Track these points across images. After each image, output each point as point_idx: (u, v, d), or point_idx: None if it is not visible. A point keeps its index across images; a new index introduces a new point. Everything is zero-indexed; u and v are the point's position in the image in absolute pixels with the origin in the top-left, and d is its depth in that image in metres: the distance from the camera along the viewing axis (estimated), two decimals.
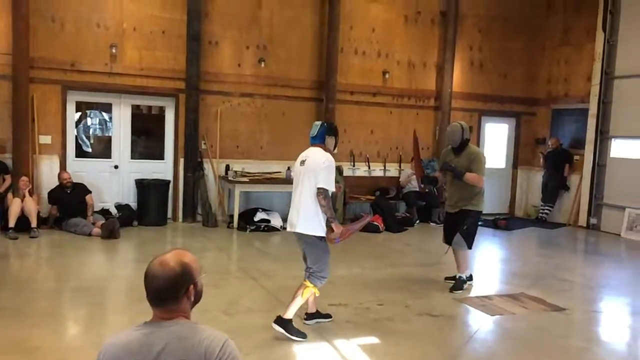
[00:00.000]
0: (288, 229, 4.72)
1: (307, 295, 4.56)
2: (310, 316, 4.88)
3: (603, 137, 10.77)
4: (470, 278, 6.36)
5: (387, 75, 10.90)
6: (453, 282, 6.20)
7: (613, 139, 10.72)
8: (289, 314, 4.48)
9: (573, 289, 6.68)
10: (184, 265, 1.99)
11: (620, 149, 10.65)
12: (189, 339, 1.91)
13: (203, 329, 1.95)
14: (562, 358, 4.47)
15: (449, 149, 6.45)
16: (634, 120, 10.20)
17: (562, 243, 9.78)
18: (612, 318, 5.71)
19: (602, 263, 8.33)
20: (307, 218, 4.47)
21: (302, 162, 4.60)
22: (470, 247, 6.20)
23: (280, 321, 4.47)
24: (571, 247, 9.75)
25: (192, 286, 2.00)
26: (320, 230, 4.53)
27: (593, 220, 10.84)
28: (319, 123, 4.82)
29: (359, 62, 10.71)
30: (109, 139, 9.77)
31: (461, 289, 6.12)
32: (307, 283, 4.55)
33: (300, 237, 4.60)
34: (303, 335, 4.49)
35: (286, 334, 4.43)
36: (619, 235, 10.17)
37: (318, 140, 4.69)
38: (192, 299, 2.02)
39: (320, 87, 10.36)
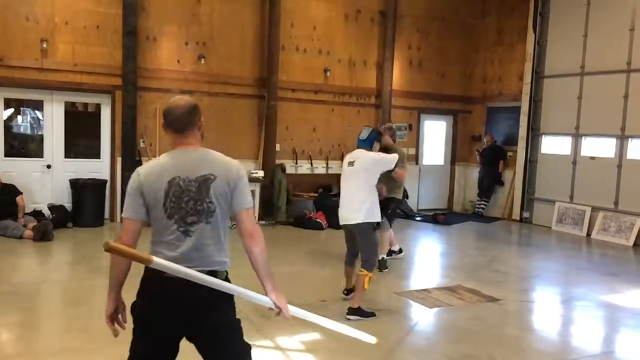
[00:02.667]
0: (342, 223, 5.31)
1: (368, 282, 5.03)
2: (349, 291, 5.59)
3: (534, 134, 11.26)
4: (400, 251, 7.40)
5: (328, 73, 10.97)
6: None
7: (543, 136, 11.23)
8: (356, 303, 5.05)
9: (507, 280, 6.95)
10: (194, 102, 2.63)
11: (549, 145, 11.17)
12: (214, 158, 2.53)
13: (220, 154, 2.59)
14: (497, 346, 4.65)
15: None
16: (562, 118, 10.73)
17: (497, 236, 10.16)
18: (543, 307, 5.99)
19: (534, 255, 8.71)
20: (366, 209, 5.05)
21: (351, 163, 5.18)
22: (390, 228, 7.05)
23: (353, 311, 5.03)
24: (505, 240, 10.14)
25: (202, 118, 2.61)
26: (377, 217, 5.17)
27: (526, 214, 11.32)
28: (370, 128, 5.47)
29: (301, 59, 10.73)
30: (42, 137, 9.37)
31: (386, 267, 6.82)
32: (365, 272, 5.04)
33: (357, 228, 5.13)
34: (373, 314, 5.14)
35: (362, 318, 4.99)
36: (550, 227, 10.67)
37: (367, 144, 5.28)
38: (201, 130, 2.60)
39: (262, 84, 10.31)
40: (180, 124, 2.54)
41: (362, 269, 5.09)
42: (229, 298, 2.51)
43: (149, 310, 2.47)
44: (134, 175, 2.52)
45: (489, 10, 12.27)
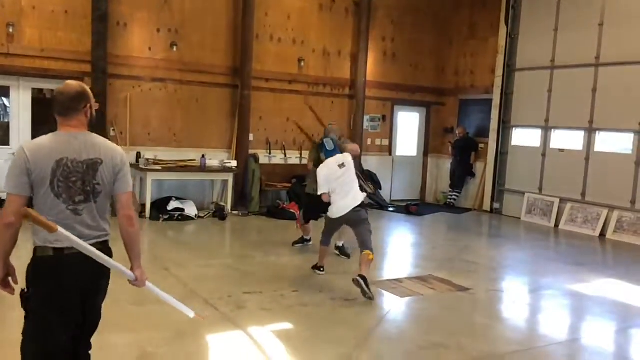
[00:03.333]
0: (344, 212, 5.84)
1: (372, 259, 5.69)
2: (320, 268, 6.32)
3: (505, 127, 11.41)
4: (308, 240, 7.68)
5: (302, 63, 10.92)
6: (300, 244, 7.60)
7: (514, 128, 11.39)
8: (365, 273, 5.50)
9: (477, 270, 7.05)
10: (83, 87, 2.77)
11: (520, 137, 11.34)
12: (101, 144, 2.73)
13: (105, 139, 2.80)
14: (467, 335, 4.72)
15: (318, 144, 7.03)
16: (532, 111, 10.89)
17: (468, 227, 10.29)
18: (512, 296, 6.10)
19: (503, 245, 8.85)
20: (362, 197, 6.04)
21: (342, 165, 5.98)
22: (306, 221, 7.43)
23: (364, 278, 5.40)
24: (476, 231, 10.28)
25: (89, 105, 2.75)
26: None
27: (496, 205, 11.50)
28: (329, 138, 6.36)
29: (275, 49, 10.65)
30: (8, 125, 9.11)
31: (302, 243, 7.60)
32: (368, 252, 5.63)
33: (358, 213, 5.86)
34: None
35: (365, 287, 5.36)
36: (519, 218, 10.85)
37: (337, 151, 6.20)
38: (89, 116, 2.77)
39: (235, 73, 10.20)
40: (65, 109, 2.69)
41: (366, 250, 5.68)
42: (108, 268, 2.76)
43: (55, 289, 2.62)
44: (19, 152, 2.61)
45: (462, 3, 12.35)
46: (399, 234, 9.67)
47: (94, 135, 2.78)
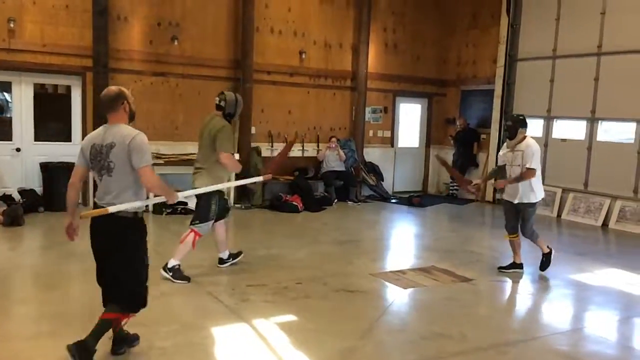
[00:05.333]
0: None
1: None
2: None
3: (507, 117, 11.37)
4: (226, 260, 6.09)
5: (303, 55, 10.90)
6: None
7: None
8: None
9: (480, 260, 7.07)
10: (120, 89, 3.70)
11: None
12: (120, 131, 3.58)
13: (128, 128, 3.63)
14: (470, 325, 4.74)
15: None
16: (534, 101, 10.87)
17: (471, 218, 10.30)
18: (514, 287, 6.12)
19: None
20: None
21: None
22: (200, 222, 5.59)
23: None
24: (479, 221, 10.29)
25: (125, 102, 3.66)
26: None
27: (499, 196, 11.48)
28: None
29: (275, 41, 10.63)
30: (10, 120, 9.14)
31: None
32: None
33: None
34: None
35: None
36: None
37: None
38: (128, 111, 3.70)
39: (236, 66, 10.20)
40: (106, 108, 3.65)
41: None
42: (124, 226, 3.62)
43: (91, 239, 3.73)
44: (83, 141, 3.76)
45: None
46: (402, 225, 9.69)
47: (123, 125, 3.63)
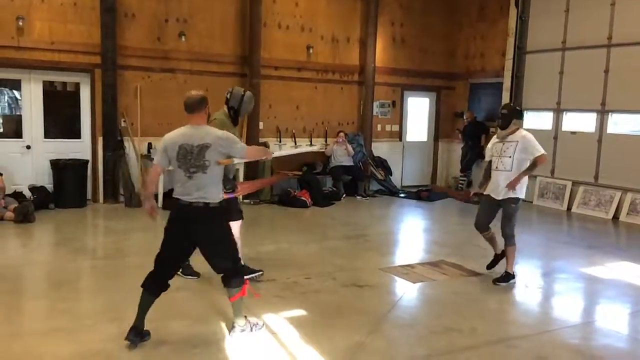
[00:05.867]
0: None
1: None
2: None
3: None
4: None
5: (311, 50, 10.88)
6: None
7: (525, 112, 11.25)
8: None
9: (489, 254, 7.00)
10: (203, 94, 4.09)
11: (531, 121, 11.23)
12: (210, 132, 3.98)
13: (213, 129, 4.06)
14: (479, 319, 4.74)
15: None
16: (544, 94, 10.79)
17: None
18: (524, 280, 6.09)
19: (516, 229, 8.80)
20: None
21: None
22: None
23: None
24: None
25: (207, 106, 4.08)
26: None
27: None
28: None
29: (283, 36, 10.62)
30: (20, 117, 9.20)
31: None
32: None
33: None
34: None
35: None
36: (531, 202, 10.80)
37: None
38: (206, 115, 4.12)
39: (244, 62, 10.20)
40: (191, 109, 4.01)
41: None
42: (213, 214, 3.98)
43: (170, 224, 4.03)
44: (162, 140, 4.05)
45: None
46: (410, 219, 9.67)
47: (208, 127, 4.06)
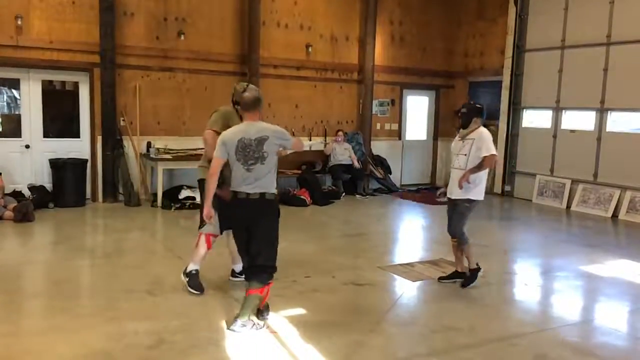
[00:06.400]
0: None
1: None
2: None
3: (515, 108, 11.32)
4: (238, 274, 5.36)
5: (310, 49, 10.87)
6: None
7: (524, 110, 11.30)
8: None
9: (488, 252, 7.05)
10: (259, 95, 4.45)
11: (531, 119, 11.26)
12: (267, 127, 4.31)
13: (269, 124, 4.37)
14: (479, 318, 4.74)
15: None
16: (543, 92, 10.79)
17: (479, 210, 10.10)
18: (524, 279, 6.10)
19: (515, 227, 8.84)
20: None
21: None
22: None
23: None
24: (487, 214, 10.23)
25: (261, 105, 4.41)
26: None
27: (507, 188, 11.46)
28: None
29: (282, 35, 10.61)
30: (19, 117, 9.19)
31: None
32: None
33: None
34: None
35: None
36: (531, 200, 10.81)
37: None
38: (260, 113, 4.40)
39: (243, 61, 10.19)
40: (250, 107, 4.35)
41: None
42: (268, 206, 4.32)
43: (234, 214, 4.37)
44: (220, 137, 4.33)
45: None
46: (410, 218, 9.67)
47: (263, 122, 4.35)
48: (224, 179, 4.48)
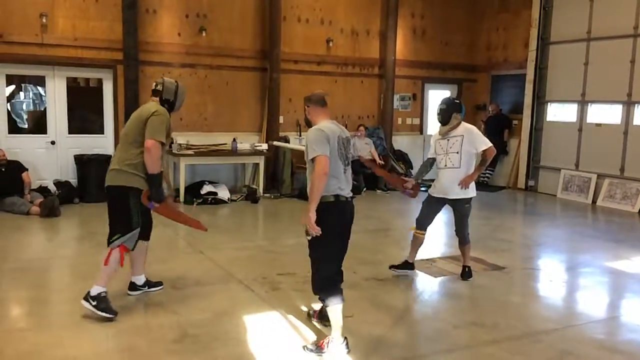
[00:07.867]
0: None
1: None
2: None
3: (539, 102, 11.15)
4: (140, 287, 4.92)
5: (330, 44, 10.85)
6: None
7: (549, 104, 11.12)
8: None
9: (512, 248, 6.98)
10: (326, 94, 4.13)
11: (555, 113, 11.07)
12: (343, 127, 4.00)
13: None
14: (502, 314, 4.69)
15: None
16: (568, 85, 10.61)
17: (502, 205, 10.15)
18: (548, 274, 6.01)
19: (539, 222, 8.71)
20: None
21: None
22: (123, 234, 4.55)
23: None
24: (510, 209, 10.14)
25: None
26: None
27: (531, 182, 11.30)
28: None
29: (302, 30, 10.60)
30: (44, 113, 9.35)
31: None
32: None
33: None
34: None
35: None
36: (555, 195, 10.65)
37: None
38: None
39: (263, 56, 10.22)
40: (324, 103, 4.02)
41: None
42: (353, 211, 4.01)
43: (338, 220, 3.92)
44: (319, 132, 3.78)
45: None
46: None
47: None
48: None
